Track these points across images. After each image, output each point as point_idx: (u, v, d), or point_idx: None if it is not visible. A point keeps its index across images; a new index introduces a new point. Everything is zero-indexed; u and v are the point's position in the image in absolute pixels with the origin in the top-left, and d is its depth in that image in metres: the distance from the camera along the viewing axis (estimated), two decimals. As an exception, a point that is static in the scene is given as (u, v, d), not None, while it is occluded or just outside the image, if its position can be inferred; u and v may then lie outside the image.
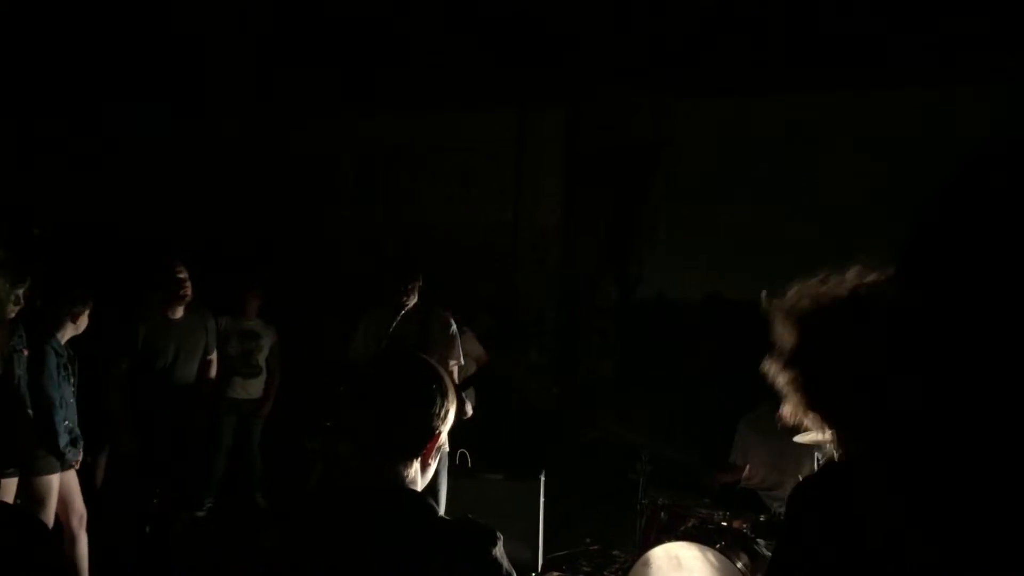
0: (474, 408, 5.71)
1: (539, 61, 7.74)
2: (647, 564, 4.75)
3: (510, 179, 8.61)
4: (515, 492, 6.01)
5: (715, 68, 7.51)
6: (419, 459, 1.90)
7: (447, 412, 1.94)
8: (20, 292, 4.64)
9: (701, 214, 7.99)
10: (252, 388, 7.02)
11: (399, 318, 4.99)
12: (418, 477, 1.91)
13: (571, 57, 7.66)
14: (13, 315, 4.75)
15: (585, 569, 6.21)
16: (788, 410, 1.58)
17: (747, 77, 7.62)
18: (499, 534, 1.81)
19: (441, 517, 1.85)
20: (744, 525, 4.99)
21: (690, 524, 5.06)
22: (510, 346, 8.58)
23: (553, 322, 8.72)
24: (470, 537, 1.80)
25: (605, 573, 6.06)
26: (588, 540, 6.55)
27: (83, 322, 5.10)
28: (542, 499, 6.05)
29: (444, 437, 1.96)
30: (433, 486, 5.02)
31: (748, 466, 5.60)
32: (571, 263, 8.71)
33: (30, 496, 4.79)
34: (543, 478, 6.09)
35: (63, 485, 4.95)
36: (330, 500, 1.91)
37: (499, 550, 1.78)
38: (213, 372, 6.03)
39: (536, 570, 5.97)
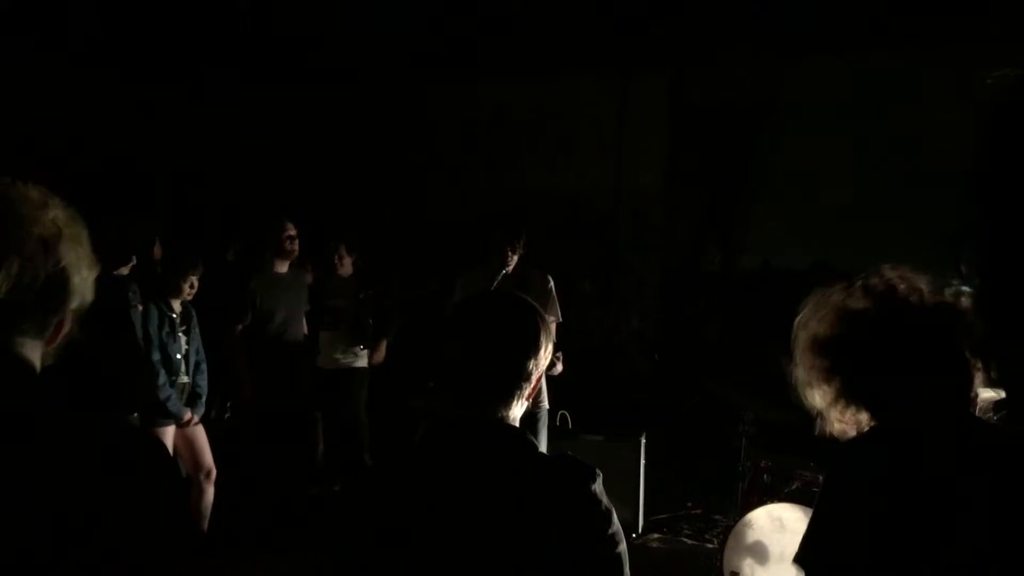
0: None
1: (640, 23, 7.61)
2: (749, 525, 4.70)
3: (611, 144, 8.52)
4: (615, 453, 6.02)
5: (823, 25, 7.25)
6: (519, 399, 1.87)
7: (548, 353, 1.94)
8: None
9: (807, 179, 7.77)
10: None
11: (500, 277, 5.03)
12: (518, 416, 1.90)
13: (673, 17, 7.51)
14: (126, 272, 4.99)
15: (687, 532, 6.19)
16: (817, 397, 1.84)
17: (855, 34, 7.34)
18: (599, 471, 1.82)
19: (542, 453, 1.85)
20: (850, 488, 4.89)
21: (794, 486, 4.99)
22: (611, 311, 8.57)
23: (655, 287, 8.65)
24: (570, 472, 1.79)
25: (706, 536, 6.03)
26: (690, 504, 6.52)
27: (195, 286, 5.27)
28: (642, 461, 6.05)
29: (542, 379, 1.96)
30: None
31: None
32: (673, 228, 8.61)
33: None
34: (643, 440, 6.09)
35: (191, 440, 5.13)
36: (432, 438, 1.91)
37: (598, 486, 1.78)
38: (306, 328, 6.32)
39: (637, 532, 5.99)
